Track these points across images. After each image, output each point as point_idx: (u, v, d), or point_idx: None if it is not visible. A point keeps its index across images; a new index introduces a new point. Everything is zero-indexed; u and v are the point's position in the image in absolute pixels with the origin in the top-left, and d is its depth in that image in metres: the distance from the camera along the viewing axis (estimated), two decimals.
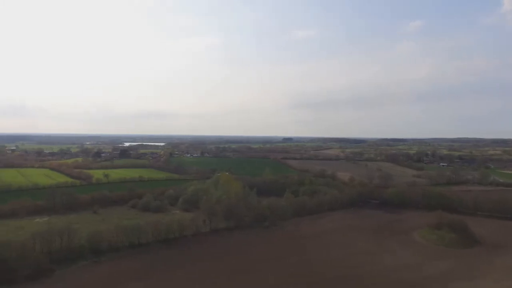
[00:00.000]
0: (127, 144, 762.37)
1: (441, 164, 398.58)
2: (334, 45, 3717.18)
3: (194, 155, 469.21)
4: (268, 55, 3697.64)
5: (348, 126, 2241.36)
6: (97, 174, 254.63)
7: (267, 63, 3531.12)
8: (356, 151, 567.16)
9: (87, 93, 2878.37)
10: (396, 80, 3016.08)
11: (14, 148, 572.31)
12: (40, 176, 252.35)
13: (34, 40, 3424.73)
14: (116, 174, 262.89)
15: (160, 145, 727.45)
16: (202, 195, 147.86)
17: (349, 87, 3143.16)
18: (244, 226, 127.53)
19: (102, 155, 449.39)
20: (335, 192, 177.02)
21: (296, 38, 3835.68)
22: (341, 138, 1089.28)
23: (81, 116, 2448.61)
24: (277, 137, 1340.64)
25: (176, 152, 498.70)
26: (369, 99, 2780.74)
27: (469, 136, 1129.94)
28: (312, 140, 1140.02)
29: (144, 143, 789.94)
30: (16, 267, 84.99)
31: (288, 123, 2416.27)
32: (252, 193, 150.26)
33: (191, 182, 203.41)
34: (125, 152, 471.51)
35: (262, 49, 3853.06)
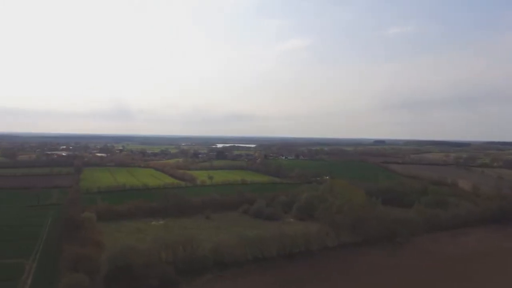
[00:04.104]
0: (219, 145, 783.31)
1: None
2: (431, 40, 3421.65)
3: (288, 157, 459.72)
4: (359, 54, 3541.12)
5: (446, 128, 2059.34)
6: (199, 175, 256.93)
7: (357, 62, 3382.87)
8: (463, 155, 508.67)
9: (182, 95, 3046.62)
10: (506, 76, 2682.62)
11: (121, 148, 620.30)
12: (147, 176, 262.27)
13: (141, 46, 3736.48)
14: (217, 175, 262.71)
15: (251, 147, 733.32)
16: (317, 203, 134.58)
17: (449, 85, 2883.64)
18: (373, 241, 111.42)
19: (199, 156, 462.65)
20: (470, 204, 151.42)
21: (389, 36, 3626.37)
22: (439, 141, 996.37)
23: (177, 118, 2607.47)
24: (367, 139, 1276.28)
25: (271, 154, 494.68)
26: (472, 98, 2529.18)
27: None
28: (407, 142, 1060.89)
29: (236, 144, 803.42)
30: (141, 275, 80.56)
31: (379, 124, 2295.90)
32: (378, 203, 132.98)
33: (298, 186, 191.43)
34: (221, 153, 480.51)
35: (352, 49, 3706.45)
